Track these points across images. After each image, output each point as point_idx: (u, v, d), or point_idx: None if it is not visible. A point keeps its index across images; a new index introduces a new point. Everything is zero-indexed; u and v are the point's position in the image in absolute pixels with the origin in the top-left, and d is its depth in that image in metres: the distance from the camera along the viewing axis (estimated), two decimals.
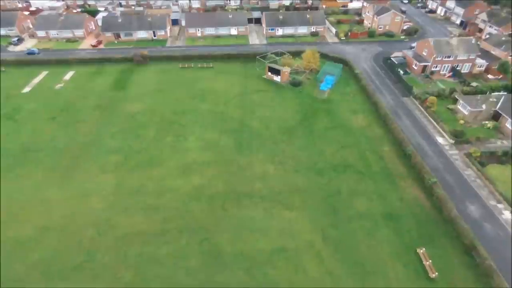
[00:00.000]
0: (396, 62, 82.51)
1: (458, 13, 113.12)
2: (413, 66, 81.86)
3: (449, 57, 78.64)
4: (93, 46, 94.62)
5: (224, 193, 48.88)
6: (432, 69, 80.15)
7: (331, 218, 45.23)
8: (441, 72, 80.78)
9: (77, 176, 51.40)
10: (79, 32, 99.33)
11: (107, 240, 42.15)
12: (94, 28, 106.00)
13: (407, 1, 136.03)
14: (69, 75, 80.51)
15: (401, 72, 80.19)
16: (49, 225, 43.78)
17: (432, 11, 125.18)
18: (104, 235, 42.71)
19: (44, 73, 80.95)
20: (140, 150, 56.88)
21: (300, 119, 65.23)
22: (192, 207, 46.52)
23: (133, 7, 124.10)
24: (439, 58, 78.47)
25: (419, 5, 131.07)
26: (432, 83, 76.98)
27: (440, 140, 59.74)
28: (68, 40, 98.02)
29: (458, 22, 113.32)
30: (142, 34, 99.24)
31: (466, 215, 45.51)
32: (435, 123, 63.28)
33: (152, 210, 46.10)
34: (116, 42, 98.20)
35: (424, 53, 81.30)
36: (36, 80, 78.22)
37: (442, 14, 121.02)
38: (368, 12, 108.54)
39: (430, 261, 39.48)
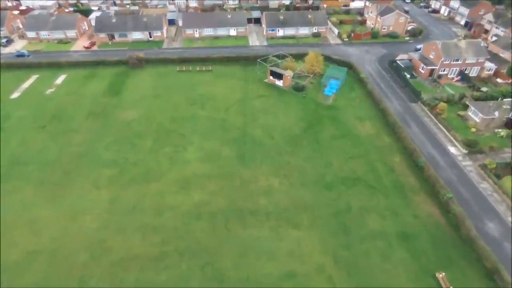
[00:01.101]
0: (402, 66, 79.54)
1: (463, 13, 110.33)
2: (420, 69, 78.96)
3: (457, 60, 75.82)
4: (86, 47, 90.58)
5: (227, 210, 45.73)
6: (440, 72, 77.30)
7: (342, 238, 42.29)
8: (449, 76, 77.96)
9: (68, 192, 47.91)
10: (71, 33, 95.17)
11: (102, 265, 38.87)
12: (87, 28, 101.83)
13: (409, 1, 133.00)
14: (60, 79, 76.61)
15: (408, 75, 77.28)
16: (38, 248, 40.40)
17: (436, 11, 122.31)
18: (98, 259, 39.42)
19: (34, 77, 76.97)
20: (136, 162, 53.47)
21: (304, 127, 62.12)
22: (193, 227, 43.32)
23: (128, 6, 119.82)
24: (447, 62, 75.63)
25: (422, 4, 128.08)
26: (440, 88, 74.15)
27: (452, 149, 56.97)
28: (60, 41, 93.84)
29: (462, 22, 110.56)
30: (137, 35, 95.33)
31: (484, 233, 42.81)
32: (446, 131, 60.50)
33: (149, 230, 42.83)
34: (110, 43, 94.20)
35: (431, 56, 78.42)
36: (26, 84, 74.25)
37: (446, 14, 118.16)
38: (371, 13, 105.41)
39: (451, 287, 36.71)
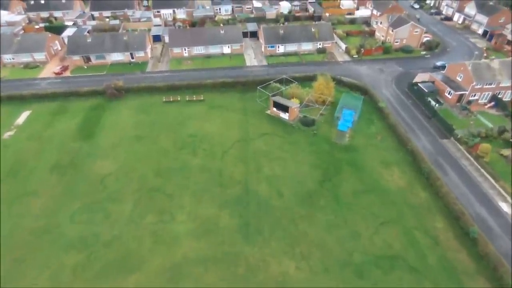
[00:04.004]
0: (426, 90, 68.55)
1: (480, 21, 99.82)
2: (446, 94, 68.07)
3: (490, 84, 65.10)
4: (57, 74, 77.81)
5: None
6: (470, 98, 66.51)
7: None
8: (479, 101, 67.26)
9: None
10: (40, 56, 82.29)
11: None
12: (59, 48, 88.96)
13: (418, 6, 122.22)
14: (23, 117, 64.08)
15: (433, 102, 66.33)
16: None
17: (448, 18, 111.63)
18: None
19: None
20: (110, 241, 41.54)
21: (320, 178, 50.73)
22: None
23: (107, 19, 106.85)
24: (479, 86, 64.83)
25: (432, 11, 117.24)
26: (473, 117, 63.31)
27: (504, 207, 46.09)
28: (27, 66, 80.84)
29: (480, 31, 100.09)
30: (117, 56, 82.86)
31: None
32: (493, 180, 49.58)
33: None
34: (85, 67, 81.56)
35: (459, 79, 67.55)
36: None
37: (460, 22, 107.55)
38: (380, 23, 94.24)
39: None
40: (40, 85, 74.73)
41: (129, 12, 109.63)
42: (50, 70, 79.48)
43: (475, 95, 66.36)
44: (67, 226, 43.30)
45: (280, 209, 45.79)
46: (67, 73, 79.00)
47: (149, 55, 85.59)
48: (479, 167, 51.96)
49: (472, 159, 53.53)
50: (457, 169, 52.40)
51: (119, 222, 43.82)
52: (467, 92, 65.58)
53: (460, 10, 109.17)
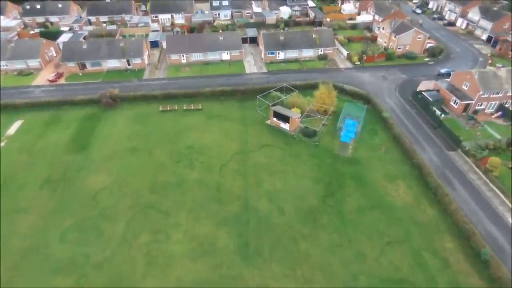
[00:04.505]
0: (431, 99, 66.51)
1: (484, 27, 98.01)
2: (452, 103, 66.04)
3: (497, 93, 63.10)
4: (51, 81, 75.70)
5: None
6: (476, 107, 64.50)
7: None
8: (486, 111, 65.25)
9: None
10: (34, 62, 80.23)
11: None
12: (54, 54, 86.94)
13: (420, 11, 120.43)
14: (15, 127, 61.94)
15: (438, 112, 64.28)
16: None
17: (451, 24, 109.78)
18: None
19: None
20: (101, 263, 39.30)
21: (322, 193, 48.58)
22: None
23: (104, 24, 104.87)
24: (485, 95, 62.83)
25: (435, 16, 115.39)
26: (480, 128, 61.24)
27: None
28: (20, 73, 78.71)
29: (484, 37, 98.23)
30: (113, 63, 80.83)
31: None
32: (503, 196, 47.44)
33: None
34: (80, 74, 79.49)
35: (465, 87, 65.57)
36: None
37: (464, 27, 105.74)
38: (383, 29, 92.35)
39: None
40: (33, 93, 72.60)
41: (126, 17, 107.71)
42: (44, 77, 77.35)
43: (481, 104, 64.36)
44: (56, 246, 41.07)
45: (281, 227, 43.61)
46: (62, 81, 76.89)
47: (146, 62, 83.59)
48: (488, 181, 49.82)
49: (480, 173, 51.39)
50: (465, 184, 50.25)
51: (111, 242, 41.60)
52: (473, 102, 63.57)
53: (463, 15, 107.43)
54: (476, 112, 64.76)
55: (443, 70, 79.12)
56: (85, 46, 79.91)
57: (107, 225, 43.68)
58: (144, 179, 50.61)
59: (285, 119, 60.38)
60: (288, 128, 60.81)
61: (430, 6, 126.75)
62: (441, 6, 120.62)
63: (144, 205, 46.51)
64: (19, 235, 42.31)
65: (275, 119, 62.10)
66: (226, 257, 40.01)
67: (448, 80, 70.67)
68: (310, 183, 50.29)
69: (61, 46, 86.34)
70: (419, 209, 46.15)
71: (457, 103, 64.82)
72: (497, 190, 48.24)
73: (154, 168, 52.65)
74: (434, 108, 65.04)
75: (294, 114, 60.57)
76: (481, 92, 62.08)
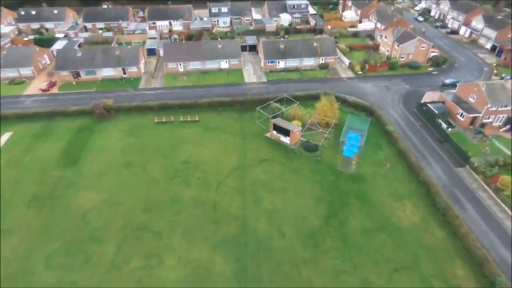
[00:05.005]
0: (436, 111, 64.21)
1: (488, 36, 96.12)
2: (458, 116, 63.77)
3: (506, 106, 60.87)
4: (43, 90, 73.28)
5: None
6: (484, 121, 62.23)
7: None
8: (493, 124, 62.96)
9: None
10: (26, 71, 77.84)
11: None
12: (48, 62, 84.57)
13: (422, 19, 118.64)
14: (3, 139, 59.34)
15: (444, 125, 61.97)
16: None
17: (454, 32, 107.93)
18: None
19: None
20: None
21: (325, 213, 46.03)
22: None
23: (100, 31, 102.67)
24: (493, 108, 60.58)
25: (438, 24, 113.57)
26: (488, 143, 58.88)
27: None
28: (12, 82, 76.24)
29: (488, 46, 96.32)
30: (108, 72, 78.47)
31: None
32: None
33: None
34: (74, 83, 77.10)
35: (472, 100, 63.37)
36: None
37: (467, 35, 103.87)
38: (385, 37, 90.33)
39: None
40: (24, 103, 70.08)
41: (123, 24, 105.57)
42: (37, 86, 74.91)
43: (489, 117, 62.10)
44: (41, 273, 38.33)
45: (282, 251, 41.00)
46: (55, 90, 74.44)
47: (143, 70, 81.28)
48: (499, 201, 47.34)
49: (490, 191, 48.94)
50: (475, 203, 47.78)
51: (100, 268, 38.90)
52: (481, 115, 61.31)
53: (466, 23, 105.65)
54: (483, 125, 62.50)
55: (447, 81, 76.99)
56: (79, 54, 77.57)
57: (96, 249, 40.99)
58: (137, 197, 47.99)
59: (286, 132, 57.98)
60: (288, 142, 58.39)
61: (432, 14, 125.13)
62: (444, 14, 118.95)
63: (136, 226, 43.86)
64: (2, 260, 39.56)
65: (275, 132, 59.70)
66: (223, 285, 37.35)
67: (454, 91, 68.51)
68: (312, 201, 47.75)
69: (55, 54, 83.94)
70: (427, 231, 43.61)
71: (463, 116, 62.56)
72: (509, 211, 45.76)
73: (148, 185, 50.04)
74: (440, 121, 62.77)
75: (295, 127, 58.19)
76: (489, 105, 59.86)
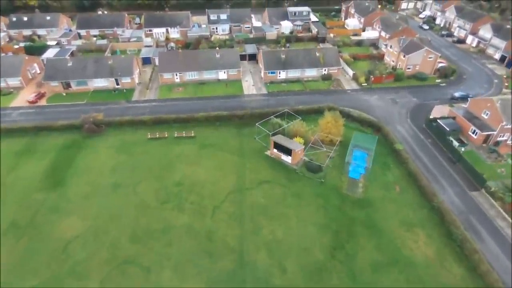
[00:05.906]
0: (447, 128, 60.35)
1: (497, 46, 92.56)
2: (470, 133, 59.95)
3: None
4: (30, 102, 69.39)
5: None
6: (498, 139, 58.41)
7: None
8: (508, 142, 59.11)
9: None
10: (14, 81, 74.01)
11: None
12: (38, 71, 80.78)
13: (427, 27, 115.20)
14: None
15: (455, 143, 58.15)
16: None
17: (461, 41, 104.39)
18: None
19: None
20: None
21: (330, 243, 41.99)
22: None
23: (94, 38, 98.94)
24: (508, 126, 56.78)
25: (443, 33, 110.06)
26: (504, 163, 55.03)
27: None
28: None
29: (497, 56, 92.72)
30: (100, 82, 74.61)
31: None
32: None
33: None
34: (64, 94, 73.22)
35: (484, 116, 59.59)
36: None
37: (475, 45, 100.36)
38: (390, 47, 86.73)
39: None
40: (10, 116, 66.12)
41: (118, 31, 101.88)
42: (25, 97, 70.98)
43: (503, 135, 58.28)
44: None
45: None
46: (43, 102, 70.51)
47: (137, 81, 77.44)
48: None
49: (510, 219, 44.96)
50: (494, 233, 43.77)
51: None
52: (495, 133, 57.49)
53: (473, 32, 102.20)
54: (497, 143, 58.67)
55: (457, 94, 73.19)
56: (70, 64, 73.76)
57: (77, 286, 36.86)
58: (125, 225, 43.93)
59: (287, 151, 54.08)
60: (290, 161, 54.47)
61: (437, 22, 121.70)
62: (449, 22, 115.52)
63: (122, 259, 39.75)
64: None
65: (275, 150, 55.79)
66: None
67: (465, 106, 64.77)
68: (316, 230, 43.71)
69: (45, 62, 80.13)
70: (443, 266, 39.55)
71: (476, 133, 58.74)
72: None
73: (137, 211, 45.98)
74: (451, 139, 58.95)
75: (297, 145, 54.26)
76: (504, 123, 56.05)
